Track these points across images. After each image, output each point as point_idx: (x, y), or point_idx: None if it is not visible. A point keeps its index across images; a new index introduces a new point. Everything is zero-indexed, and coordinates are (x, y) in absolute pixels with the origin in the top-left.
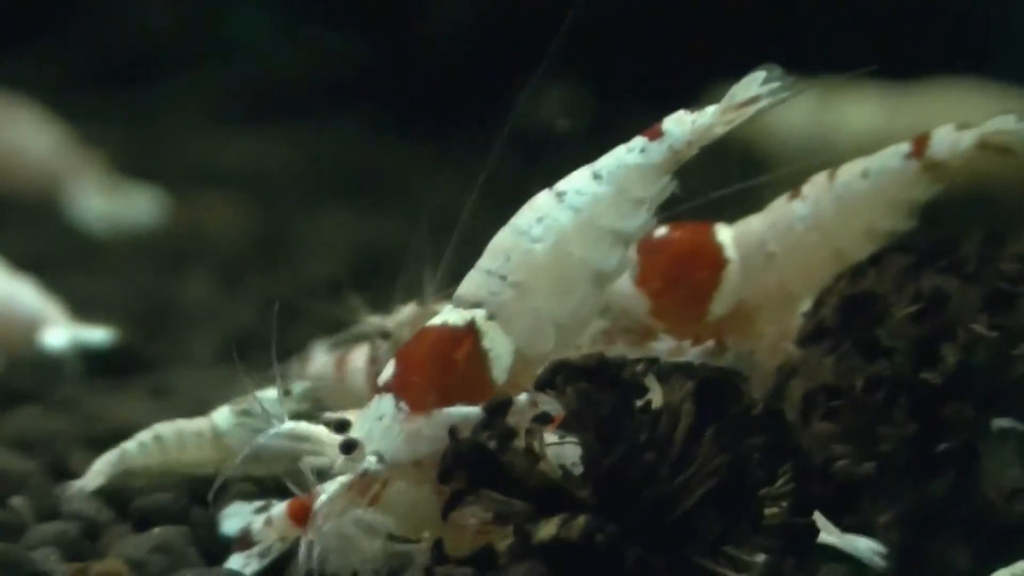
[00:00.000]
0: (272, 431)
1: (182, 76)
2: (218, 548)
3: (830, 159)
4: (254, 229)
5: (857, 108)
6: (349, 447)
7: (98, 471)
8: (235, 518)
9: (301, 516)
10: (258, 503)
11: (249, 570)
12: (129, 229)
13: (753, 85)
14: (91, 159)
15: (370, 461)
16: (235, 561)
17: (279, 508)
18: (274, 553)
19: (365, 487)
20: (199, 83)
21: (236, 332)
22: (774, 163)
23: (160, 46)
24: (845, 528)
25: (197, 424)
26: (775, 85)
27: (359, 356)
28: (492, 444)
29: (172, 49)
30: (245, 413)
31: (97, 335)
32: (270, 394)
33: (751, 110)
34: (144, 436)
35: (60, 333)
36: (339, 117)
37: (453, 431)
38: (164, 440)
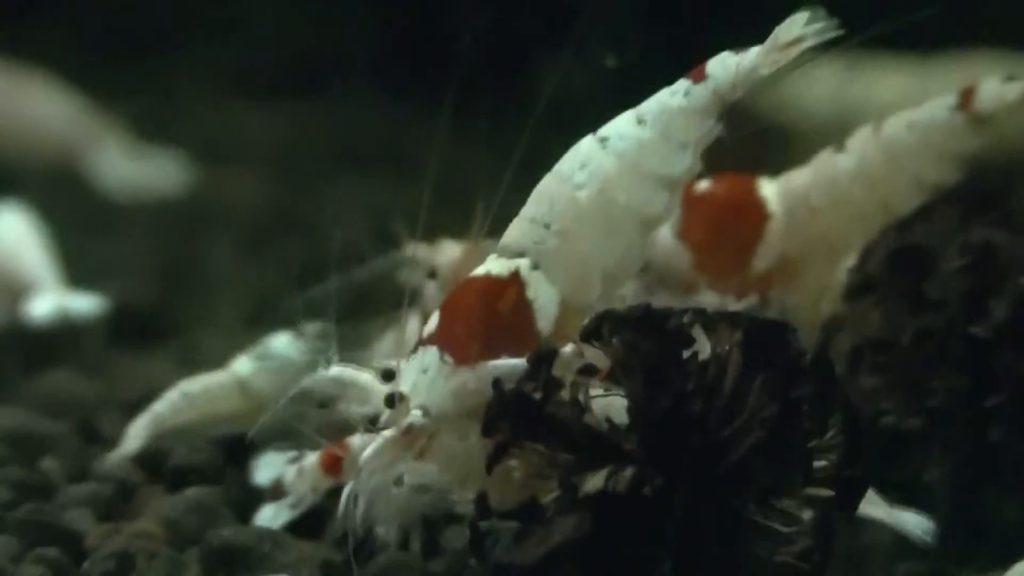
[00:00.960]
0: (317, 374)
1: (198, 48)
2: (251, 507)
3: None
4: (274, 199)
5: (884, 80)
6: (393, 400)
7: (135, 435)
8: (268, 468)
9: (333, 467)
10: (291, 453)
11: (280, 520)
12: (152, 195)
13: (796, 26)
14: (112, 126)
15: (415, 414)
16: (266, 511)
17: (311, 458)
18: (306, 504)
19: (410, 440)
20: (216, 55)
21: (260, 298)
22: (801, 136)
23: (176, 17)
24: (894, 486)
25: (220, 376)
26: (819, 25)
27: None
28: (537, 395)
29: (188, 20)
30: (262, 356)
31: (84, 304)
32: (283, 338)
33: (795, 51)
34: (172, 395)
35: (45, 302)
36: (356, 90)
37: (497, 382)
38: (192, 396)
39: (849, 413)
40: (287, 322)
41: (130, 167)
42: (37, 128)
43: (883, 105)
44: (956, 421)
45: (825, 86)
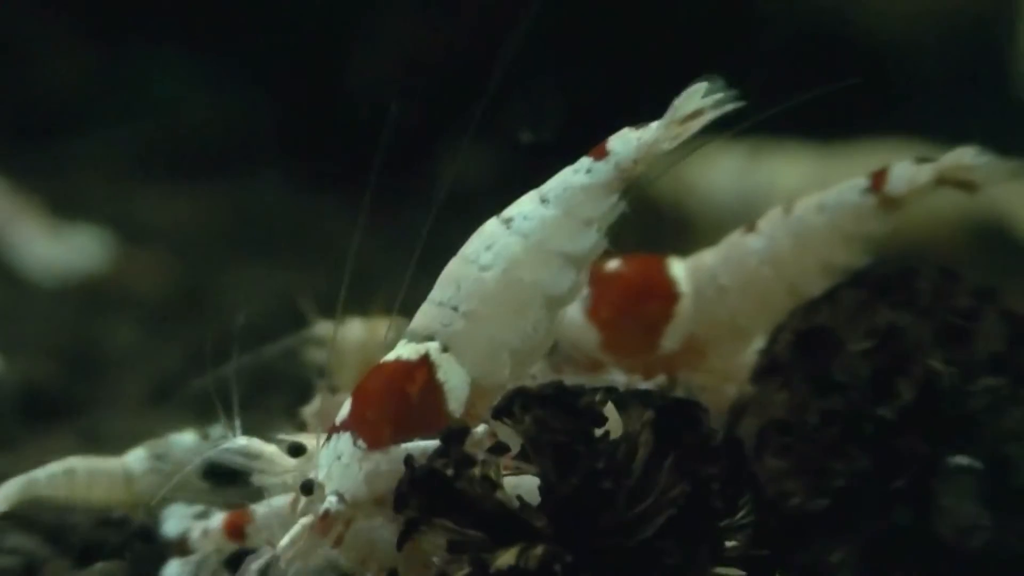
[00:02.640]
0: (224, 445)
1: (100, 133)
2: None
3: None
4: (178, 282)
5: (786, 168)
6: (311, 487)
7: (4, 496)
8: (175, 520)
9: (236, 531)
10: (198, 508)
11: None
12: (73, 273)
13: (695, 97)
14: (29, 204)
15: (331, 501)
16: (172, 567)
17: (216, 520)
18: (211, 565)
19: (327, 527)
20: (118, 140)
21: (163, 377)
22: (702, 223)
23: (76, 103)
24: (799, 568)
25: (111, 464)
26: (717, 96)
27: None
28: (448, 471)
29: (88, 106)
30: (159, 457)
31: None
32: (186, 437)
33: (696, 124)
34: (56, 467)
35: None
36: (257, 173)
37: (409, 459)
38: (75, 475)
39: (759, 493)
40: (191, 403)
41: (51, 245)
42: None
43: (785, 192)
44: (862, 503)
45: (727, 173)
